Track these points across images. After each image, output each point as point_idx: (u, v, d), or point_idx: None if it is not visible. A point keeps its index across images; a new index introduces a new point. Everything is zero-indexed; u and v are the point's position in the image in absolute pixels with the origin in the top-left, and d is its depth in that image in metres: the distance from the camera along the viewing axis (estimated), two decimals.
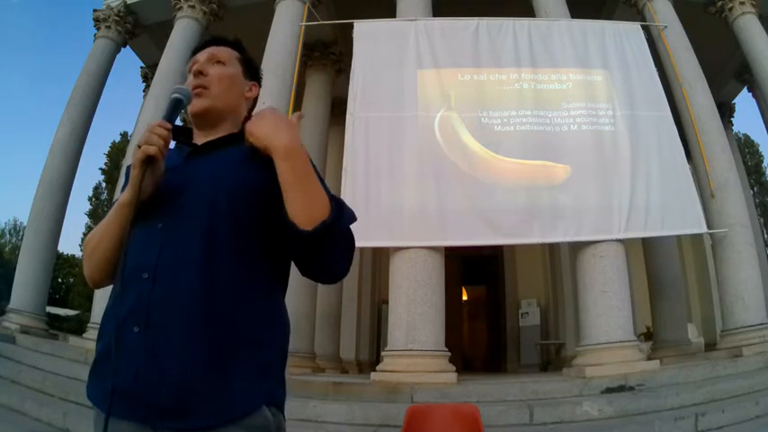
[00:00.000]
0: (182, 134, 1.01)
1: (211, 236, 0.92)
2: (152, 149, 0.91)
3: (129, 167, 1.01)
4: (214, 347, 0.87)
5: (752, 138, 21.33)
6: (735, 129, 11.10)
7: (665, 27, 6.60)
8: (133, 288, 0.89)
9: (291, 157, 0.92)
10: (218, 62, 1.12)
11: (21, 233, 23.31)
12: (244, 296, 0.92)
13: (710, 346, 7.51)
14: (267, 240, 0.96)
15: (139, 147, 0.92)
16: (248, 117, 1.15)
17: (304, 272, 1.00)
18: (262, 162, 0.95)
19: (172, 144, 1.00)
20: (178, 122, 1.09)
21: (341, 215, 0.92)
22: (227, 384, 0.87)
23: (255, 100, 1.21)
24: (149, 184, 0.94)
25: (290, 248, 0.96)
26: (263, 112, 0.98)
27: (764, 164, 21.65)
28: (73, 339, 6.64)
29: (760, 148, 21.52)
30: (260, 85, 1.22)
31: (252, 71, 1.20)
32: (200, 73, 1.09)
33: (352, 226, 0.99)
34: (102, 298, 6.10)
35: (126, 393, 0.84)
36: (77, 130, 7.73)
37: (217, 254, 0.91)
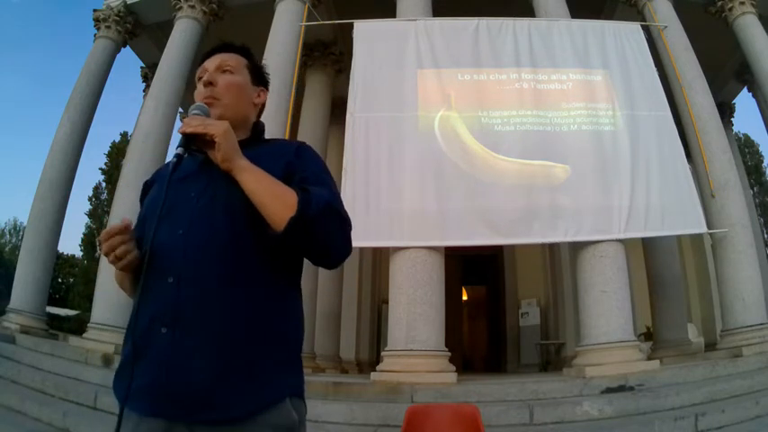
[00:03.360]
0: (195, 142, 1.03)
1: (231, 240, 0.97)
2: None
3: (145, 184, 1.19)
4: (239, 345, 0.92)
5: (752, 138, 21.35)
6: (735, 129, 11.11)
7: (665, 27, 6.60)
8: (159, 292, 0.93)
9: (235, 173, 0.97)
10: (227, 70, 1.15)
11: (21, 233, 23.33)
12: (264, 294, 0.98)
13: (710, 346, 7.50)
14: None
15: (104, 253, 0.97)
16: (258, 122, 1.22)
17: (312, 262, 1.04)
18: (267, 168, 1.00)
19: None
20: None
21: (307, 206, 0.93)
22: (254, 378, 0.92)
23: (264, 105, 1.24)
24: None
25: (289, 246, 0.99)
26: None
27: (764, 164, 21.66)
28: (73, 339, 6.63)
29: (760, 148, 21.54)
30: (268, 90, 1.25)
31: (260, 77, 1.23)
32: (209, 83, 1.13)
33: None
34: (101, 298, 6.10)
35: (157, 391, 0.89)
36: (77, 130, 7.73)
37: (237, 257, 0.96)
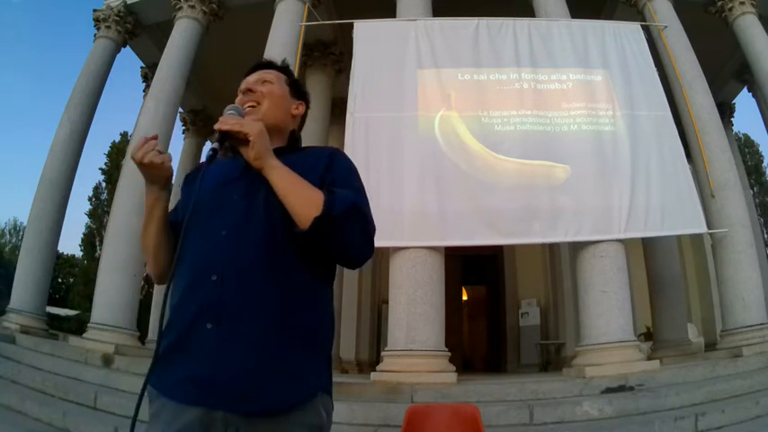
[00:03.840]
0: (229, 140, 1.06)
1: (271, 241, 1.02)
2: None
3: (186, 176, 1.22)
4: (279, 342, 0.98)
5: (752, 138, 21.36)
6: (735, 129, 11.10)
7: (665, 27, 6.60)
8: (202, 289, 0.99)
9: (265, 172, 1.02)
10: (267, 82, 1.23)
11: (21, 233, 23.32)
12: (301, 294, 1.03)
13: (710, 346, 7.51)
14: None
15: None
16: (295, 131, 1.28)
17: (336, 262, 1.10)
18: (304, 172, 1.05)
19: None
20: None
21: (332, 206, 0.98)
22: (290, 374, 0.98)
23: (303, 117, 1.31)
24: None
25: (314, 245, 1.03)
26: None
27: (764, 164, 21.67)
28: (73, 339, 6.63)
29: (760, 148, 21.55)
30: (307, 105, 1.31)
31: (299, 91, 1.30)
32: (249, 90, 1.20)
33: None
34: (101, 298, 6.11)
35: (200, 382, 0.94)
36: (77, 130, 7.73)
37: (277, 258, 1.02)
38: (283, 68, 1.29)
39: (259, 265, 1.00)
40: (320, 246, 1.02)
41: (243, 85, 1.22)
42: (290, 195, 1.00)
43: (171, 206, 1.19)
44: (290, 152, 1.17)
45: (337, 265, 1.13)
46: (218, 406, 0.93)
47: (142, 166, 1.05)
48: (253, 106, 1.17)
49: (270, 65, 1.29)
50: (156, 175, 1.07)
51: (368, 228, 1.06)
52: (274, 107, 1.19)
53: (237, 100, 1.20)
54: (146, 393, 0.94)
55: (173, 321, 1.00)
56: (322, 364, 1.05)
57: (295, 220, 0.99)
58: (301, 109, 1.28)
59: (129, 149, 1.07)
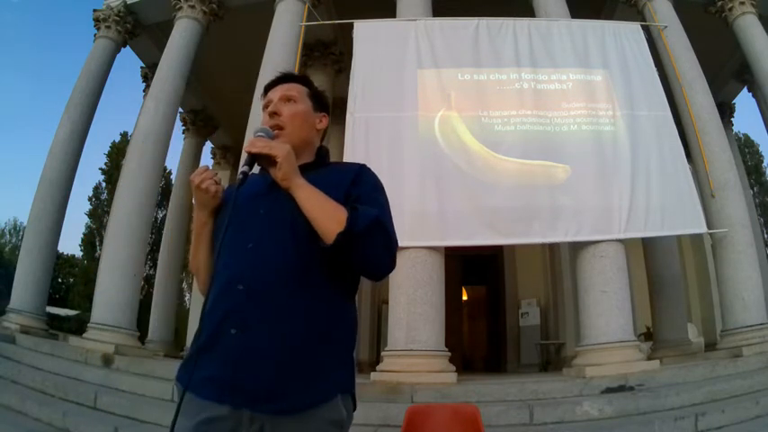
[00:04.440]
0: (259, 161, 1.12)
1: (295, 254, 1.08)
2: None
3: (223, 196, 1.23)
4: (300, 347, 1.03)
5: (752, 138, 21.35)
6: (735, 129, 11.10)
7: (665, 27, 6.60)
8: (229, 297, 1.05)
9: (292, 190, 1.08)
10: (290, 100, 1.26)
11: (21, 233, 23.31)
12: (323, 304, 1.09)
13: (710, 346, 7.51)
14: None
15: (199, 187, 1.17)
16: (321, 146, 1.33)
17: (359, 274, 1.16)
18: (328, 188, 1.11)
19: (256, 169, 1.16)
20: None
21: (355, 222, 1.03)
22: (312, 375, 1.03)
23: (326, 130, 1.35)
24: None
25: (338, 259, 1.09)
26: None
27: (764, 164, 21.65)
28: (73, 339, 6.62)
29: (760, 148, 21.53)
30: (329, 115, 1.35)
31: (321, 104, 1.33)
32: (275, 114, 1.23)
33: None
34: (101, 298, 6.10)
35: (224, 382, 1.00)
36: (77, 130, 7.73)
37: (300, 270, 1.07)
38: (304, 80, 1.33)
39: (283, 277, 1.06)
40: (344, 260, 1.07)
41: (268, 106, 1.26)
42: (315, 212, 1.05)
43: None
44: (318, 167, 1.23)
45: (376, 280, 1.18)
46: (242, 405, 0.99)
47: (198, 190, 1.15)
48: (280, 129, 1.21)
49: (291, 77, 1.31)
50: (207, 201, 1.17)
51: (390, 243, 1.11)
52: (299, 127, 1.24)
53: (263, 120, 1.25)
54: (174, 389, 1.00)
55: (203, 325, 1.06)
56: (344, 367, 1.11)
57: (320, 235, 1.04)
58: (325, 122, 1.32)
59: (193, 175, 1.09)
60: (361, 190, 1.16)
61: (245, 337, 1.02)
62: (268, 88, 1.30)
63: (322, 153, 1.31)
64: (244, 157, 1.16)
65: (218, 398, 1.00)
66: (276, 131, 1.21)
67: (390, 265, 1.12)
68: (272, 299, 1.04)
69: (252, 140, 1.11)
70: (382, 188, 1.22)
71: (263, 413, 1.00)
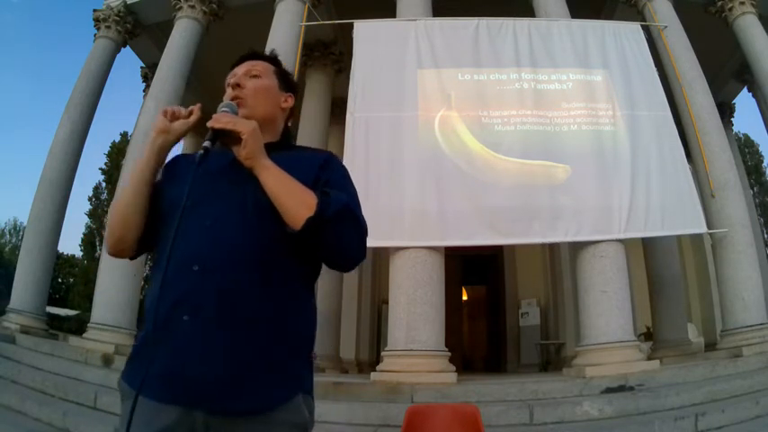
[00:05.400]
0: (222, 137, 1.05)
1: (256, 236, 1.00)
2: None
3: (166, 165, 1.17)
4: (259, 337, 0.95)
5: (752, 138, 21.33)
6: (735, 129, 11.10)
7: (665, 27, 6.60)
8: (183, 279, 0.95)
9: (257, 171, 1.01)
10: (255, 76, 1.20)
11: (21, 233, 23.31)
12: (283, 292, 1.01)
13: (710, 346, 7.50)
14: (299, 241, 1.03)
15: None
16: (286, 126, 1.26)
17: (327, 264, 1.08)
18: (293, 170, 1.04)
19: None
20: None
21: (325, 207, 0.97)
22: (271, 372, 0.95)
23: (292, 110, 1.28)
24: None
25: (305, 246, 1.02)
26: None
27: (764, 164, 21.65)
28: (73, 339, 6.63)
29: (760, 148, 21.53)
30: (296, 96, 1.29)
31: (287, 83, 1.27)
32: (237, 85, 1.17)
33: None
34: (101, 298, 6.10)
35: (175, 378, 0.90)
36: (77, 130, 7.73)
37: (260, 253, 0.99)
38: (272, 59, 1.27)
39: (243, 260, 0.97)
40: (311, 246, 1.01)
41: (231, 79, 1.19)
42: (282, 196, 0.99)
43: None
44: (283, 149, 1.15)
45: (345, 270, 1.12)
46: (196, 405, 0.90)
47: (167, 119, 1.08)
48: (238, 104, 1.14)
49: (258, 55, 1.26)
50: (172, 140, 1.09)
51: (360, 231, 1.05)
52: (262, 102, 1.17)
53: (227, 95, 1.17)
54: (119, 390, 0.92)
55: (149, 313, 0.96)
56: (304, 363, 1.03)
57: (286, 220, 0.98)
58: (290, 101, 1.26)
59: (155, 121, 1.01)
60: (331, 176, 1.10)
61: (198, 325, 0.92)
62: (234, 65, 1.24)
63: (288, 134, 1.25)
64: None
65: (169, 398, 0.89)
66: (237, 101, 1.14)
67: (360, 254, 1.06)
68: (229, 282, 0.95)
69: (216, 116, 1.04)
70: (351, 179, 1.16)
71: (217, 415, 0.90)
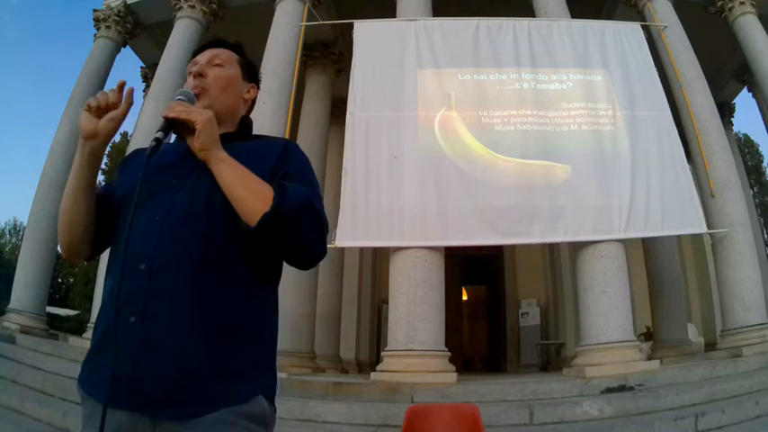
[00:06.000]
0: (175, 128, 1.00)
1: (208, 232, 0.95)
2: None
3: (122, 162, 1.16)
4: (210, 340, 0.90)
5: (752, 138, 21.38)
6: (735, 129, 11.10)
7: (665, 27, 6.60)
8: (130, 278, 0.90)
9: (210, 163, 0.95)
10: (217, 64, 1.14)
11: (21, 233, 23.30)
12: (238, 290, 0.95)
13: (710, 346, 7.51)
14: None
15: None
16: (245, 116, 1.20)
17: (286, 261, 1.02)
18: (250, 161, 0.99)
19: (172, 138, 1.04)
20: None
21: (283, 202, 0.92)
22: (224, 375, 0.90)
23: (254, 101, 1.23)
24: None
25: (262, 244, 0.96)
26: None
27: (764, 164, 21.68)
28: (73, 339, 6.64)
29: (760, 148, 21.57)
30: (259, 87, 1.24)
31: (251, 73, 1.22)
32: (199, 75, 1.11)
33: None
34: (100, 298, 6.10)
35: (123, 382, 0.85)
36: (77, 130, 7.71)
37: (213, 250, 0.94)
38: (236, 47, 1.21)
39: (193, 257, 0.92)
40: (268, 243, 0.95)
41: (193, 67, 1.13)
42: (236, 190, 0.93)
43: None
44: (240, 139, 1.10)
45: (304, 267, 1.06)
46: (140, 410, 0.87)
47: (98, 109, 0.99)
48: (199, 93, 1.08)
49: (222, 43, 1.20)
50: (101, 143, 1.00)
51: (321, 226, 0.99)
52: (224, 92, 1.11)
53: (187, 83, 1.12)
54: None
55: (100, 314, 0.93)
56: (263, 367, 0.98)
57: (241, 215, 0.92)
58: (253, 93, 1.21)
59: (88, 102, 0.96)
60: (289, 167, 1.03)
61: (145, 327, 0.87)
62: (197, 53, 1.18)
63: (246, 123, 1.18)
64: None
65: (119, 403, 0.85)
66: (198, 90, 1.08)
67: (321, 250, 1.00)
68: (178, 281, 0.90)
69: (171, 104, 0.98)
70: (311, 167, 1.10)
71: (162, 420, 0.87)
